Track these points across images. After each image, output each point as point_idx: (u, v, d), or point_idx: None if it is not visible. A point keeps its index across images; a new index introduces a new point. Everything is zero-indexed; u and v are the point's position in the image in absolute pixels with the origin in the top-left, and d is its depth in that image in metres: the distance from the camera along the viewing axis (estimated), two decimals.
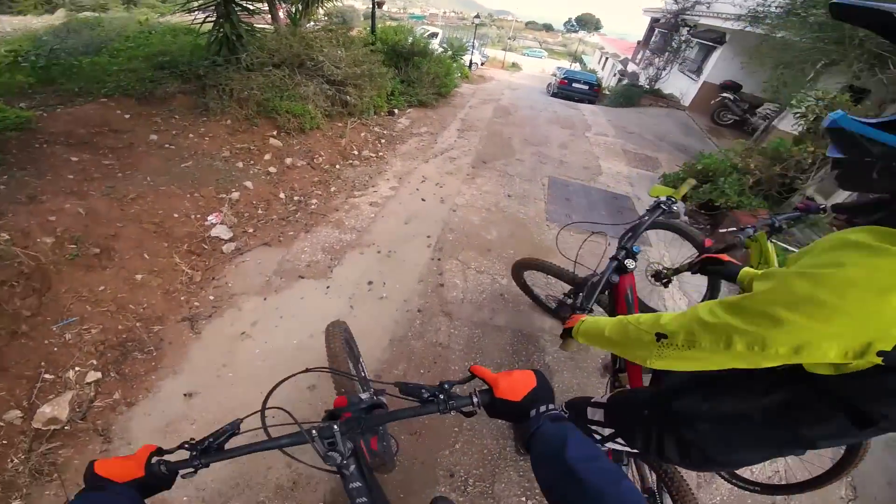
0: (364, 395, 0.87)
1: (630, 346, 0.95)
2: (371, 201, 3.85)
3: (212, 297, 2.55)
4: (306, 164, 4.18)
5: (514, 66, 28.23)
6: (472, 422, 2.05)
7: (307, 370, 0.91)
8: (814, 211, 2.09)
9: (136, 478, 0.69)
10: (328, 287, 2.75)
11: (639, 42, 17.70)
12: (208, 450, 0.74)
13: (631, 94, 11.12)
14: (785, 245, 2.45)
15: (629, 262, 1.69)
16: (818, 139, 4.41)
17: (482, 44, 21.96)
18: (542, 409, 0.74)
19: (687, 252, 2.67)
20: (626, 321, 0.97)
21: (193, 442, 0.74)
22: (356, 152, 4.80)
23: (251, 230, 3.15)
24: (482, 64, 19.12)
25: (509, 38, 47.30)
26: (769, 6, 6.48)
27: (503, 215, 3.93)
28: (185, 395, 2.00)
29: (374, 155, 4.88)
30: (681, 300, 3.17)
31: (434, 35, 10.33)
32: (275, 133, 4.30)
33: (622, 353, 1.00)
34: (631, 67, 16.54)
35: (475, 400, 0.77)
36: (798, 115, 4.76)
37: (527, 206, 4.19)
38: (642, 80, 13.17)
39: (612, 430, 1.25)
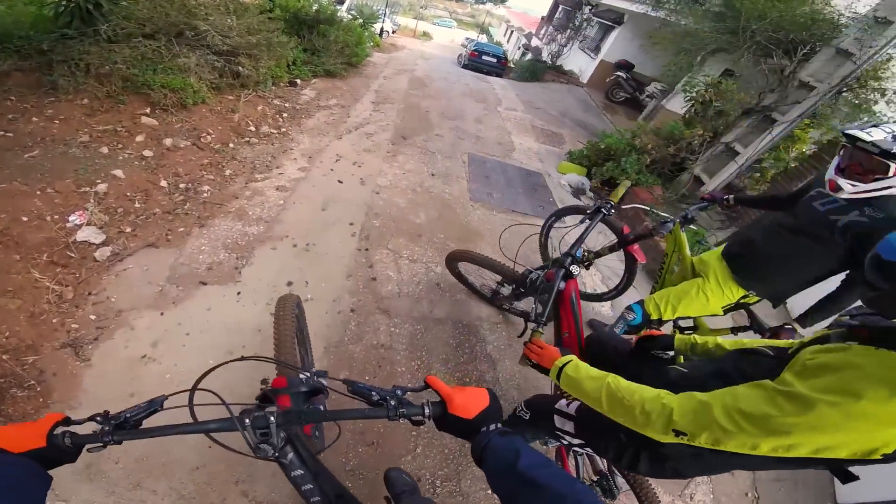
0: (304, 377, 0.86)
1: (630, 422, 0.94)
2: (277, 185, 3.39)
3: (93, 317, 2.04)
4: (191, 145, 3.52)
5: (426, 35, 27.45)
6: (430, 424, 1.95)
7: (242, 358, 0.83)
8: (719, 202, 2.28)
9: (35, 448, 0.64)
10: (239, 293, 2.36)
11: (543, 17, 18.31)
12: (123, 425, 0.70)
13: (536, 70, 11.51)
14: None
15: (574, 269, 1.79)
16: (706, 122, 4.91)
17: (393, 11, 20.89)
18: (492, 427, 0.76)
19: (604, 238, 2.80)
20: (620, 395, 0.96)
21: (107, 415, 0.70)
22: (253, 128, 4.20)
23: (129, 229, 2.55)
24: (393, 32, 18.24)
25: (421, 7, 45.83)
26: None
27: (429, 196, 3.77)
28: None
29: (275, 131, 4.31)
30: (595, 275, 3.37)
31: (341, 1, 9.44)
32: (148, 111, 3.54)
33: (619, 420, 0.98)
34: (535, 42, 17.12)
35: (427, 411, 0.77)
36: (689, 98, 5.23)
37: (450, 184, 4.08)
38: (545, 56, 13.67)
39: (580, 441, 1.27)
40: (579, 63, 12.17)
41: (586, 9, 12.57)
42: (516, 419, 1.55)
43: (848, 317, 0.86)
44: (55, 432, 0.66)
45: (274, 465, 0.81)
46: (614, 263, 3.04)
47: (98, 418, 0.69)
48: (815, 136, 5.28)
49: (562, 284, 1.75)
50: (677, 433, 0.86)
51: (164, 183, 3.01)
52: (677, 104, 7.28)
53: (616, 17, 10.97)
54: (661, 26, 6.96)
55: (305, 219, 3.09)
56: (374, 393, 0.78)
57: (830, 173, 1.62)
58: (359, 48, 7.40)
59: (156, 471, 1.58)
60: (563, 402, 1.41)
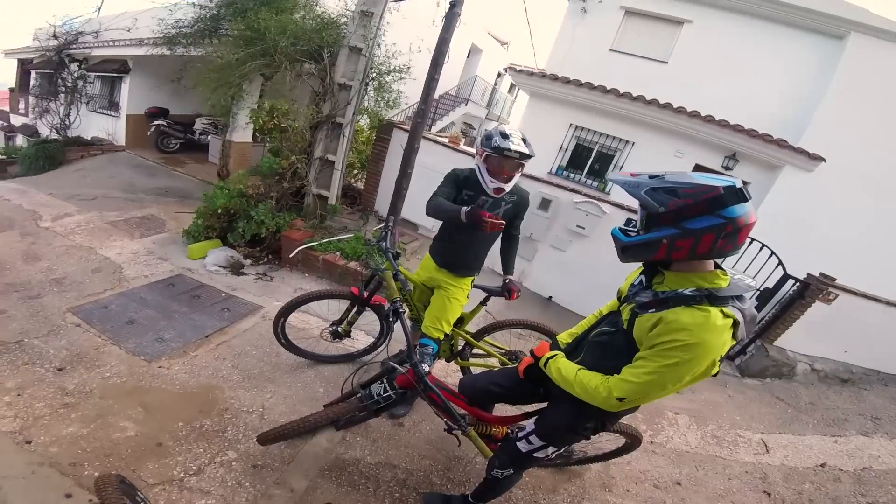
0: None
1: (594, 399, 1.39)
2: None
3: None
4: None
5: None
6: None
7: None
8: (387, 221, 2.74)
9: None
10: None
11: (12, 90, 13.40)
12: None
13: (52, 152, 8.38)
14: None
15: (425, 366, 1.83)
16: (291, 145, 5.26)
17: None
18: None
19: (336, 305, 2.92)
20: (587, 385, 1.40)
21: None
22: None
23: None
24: None
25: None
26: (181, 27, 6.43)
27: (91, 404, 2.46)
28: None
29: None
30: (358, 334, 3.46)
31: None
32: None
33: (585, 398, 1.42)
34: (18, 120, 12.46)
35: None
36: (254, 126, 5.50)
37: (101, 363, 2.79)
38: (44, 132, 10.19)
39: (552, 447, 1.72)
40: (103, 126, 9.79)
41: (74, 66, 10.08)
42: (506, 480, 1.88)
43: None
44: None
45: None
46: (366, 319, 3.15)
47: None
48: (365, 122, 6.68)
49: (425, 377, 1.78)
50: (620, 399, 1.30)
51: None
52: (244, 135, 7.40)
53: (119, 67, 9.42)
54: (186, 64, 6.66)
55: None
56: None
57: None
58: None
59: None
60: (520, 432, 1.78)
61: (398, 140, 5.63)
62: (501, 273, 2.70)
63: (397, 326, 1.99)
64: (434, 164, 5.33)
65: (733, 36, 7.40)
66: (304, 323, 3.63)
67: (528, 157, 2.12)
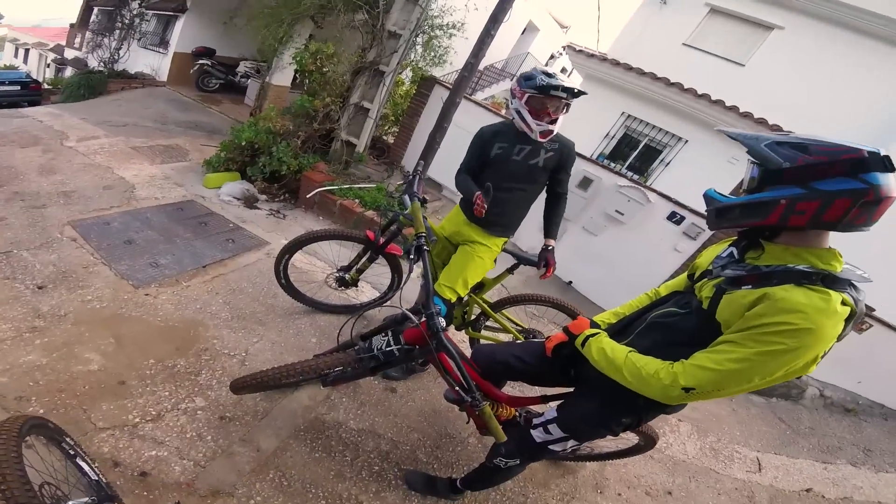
0: None
1: (649, 388, 1.16)
2: None
3: None
4: None
5: None
6: None
7: None
8: (416, 166, 2.43)
9: None
10: None
11: (72, 25, 13.81)
12: None
13: (93, 83, 8.58)
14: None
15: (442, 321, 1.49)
16: (330, 88, 4.93)
17: None
18: None
19: (346, 253, 2.66)
20: (642, 370, 1.16)
21: None
22: None
23: None
24: None
25: None
26: None
27: (68, 323, 2.26)
28: None
29: None
30: (364, 286, 3.23)
31: None
32: None
33: (635, 386, 1.19)
34: (72, 54, 12.93)
35: None
36: (296, 68, 5.22)
37: (84, 285, 2.60)
38: (93, 65, 10.41)
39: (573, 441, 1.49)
40: (149, 62, 9.96)
41: (135, 4, 10.23)
42: (507, 471, 1.65)
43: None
44: None
45: None
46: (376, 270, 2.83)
47: None
48: (407, 76, 6.43)
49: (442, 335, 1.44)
50: (687, 389, 1.08)
51: None
52: (284, 78, 7.19)
53: (177, 6, 9.47)
54: (238, 7, 6.63)
55: None
56: None
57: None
58: None
59: None
60: (537, 419, 1.54)
61: (438, 97, 5.40)
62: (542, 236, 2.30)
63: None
64: (469, 126, 4.86)
65: (825, 47, 6.92)
66: (309, 265, 3.35)
67: (577, 93, 1.87)
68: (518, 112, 1.96)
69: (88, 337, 2.23)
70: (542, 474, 2.34)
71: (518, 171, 2.07)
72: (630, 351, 1.23)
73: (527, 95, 1.90)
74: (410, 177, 2.22)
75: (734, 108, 6.46)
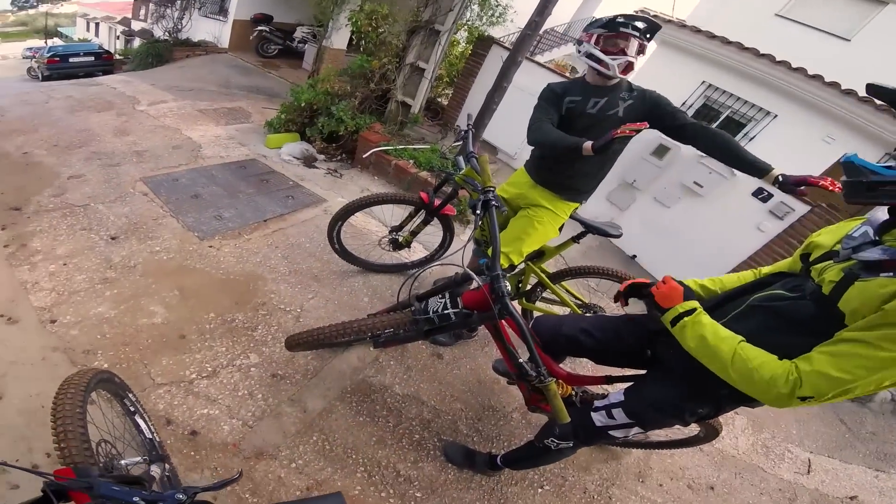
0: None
1: (762, 392, 0.98)
2: None
3: None
4: None
5: None
6: None
7: None
8: (468, 123, 2.13)
9: None
10: None
11: None
12: None
13: (159, 51, 9.07)
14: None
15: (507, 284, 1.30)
16: (386, 49, 4.79)
17: None
18: None
19: (401, 211, 2.56)
20: (750, 366, 0.97)
21: None
22: None
23: None
24: None
25: None
26: None
27: (137, 273, 2.37)
28: None
29: None
30: (420, 249, 3.17)
31: None
32: None
33: (742, 385, 1.00)
34: (137, 25, 13.61)
35: None
36: (352, 30, 5.10)
37: (153, 236, 2.71)
38: (158, 34, 10.95)
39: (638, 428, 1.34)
40: (210, 30, 10.30)
41: None
42: (557, 453, 1.51)
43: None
44: None
45: None
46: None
47: None
48: (463, 36, 6.11)
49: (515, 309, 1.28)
50: (804, 398, 0.92)
51: None
52: (340, 41, 7.09)
53: None
54: None
55: None
56: None
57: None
58: None
59: None
60: (599, 401, 1.40)
61: (495, 57, 5.10)
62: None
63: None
64: (530, 87, 4.51)
65: None
66: (364, 225, 3.33)
67: (651, 28, 1.69)
68: (591, 55, 1.74)
69: (155, 289, 2.31)
70: (585, 458, 2.18)
71: (594, 125, 1.79)
72: (741, 340, 1.03)
73: (595, 35, 1.73)
74: (464, 133, 2.04)
75: (834, 84, 5.67)
